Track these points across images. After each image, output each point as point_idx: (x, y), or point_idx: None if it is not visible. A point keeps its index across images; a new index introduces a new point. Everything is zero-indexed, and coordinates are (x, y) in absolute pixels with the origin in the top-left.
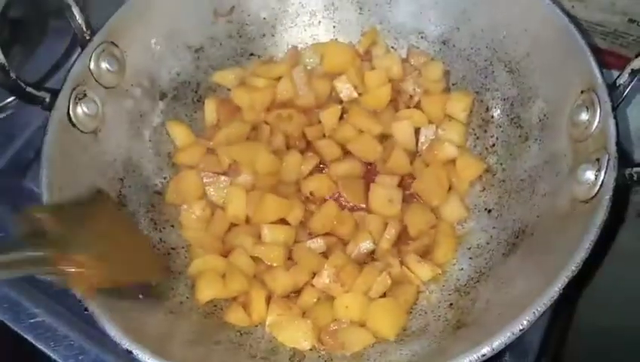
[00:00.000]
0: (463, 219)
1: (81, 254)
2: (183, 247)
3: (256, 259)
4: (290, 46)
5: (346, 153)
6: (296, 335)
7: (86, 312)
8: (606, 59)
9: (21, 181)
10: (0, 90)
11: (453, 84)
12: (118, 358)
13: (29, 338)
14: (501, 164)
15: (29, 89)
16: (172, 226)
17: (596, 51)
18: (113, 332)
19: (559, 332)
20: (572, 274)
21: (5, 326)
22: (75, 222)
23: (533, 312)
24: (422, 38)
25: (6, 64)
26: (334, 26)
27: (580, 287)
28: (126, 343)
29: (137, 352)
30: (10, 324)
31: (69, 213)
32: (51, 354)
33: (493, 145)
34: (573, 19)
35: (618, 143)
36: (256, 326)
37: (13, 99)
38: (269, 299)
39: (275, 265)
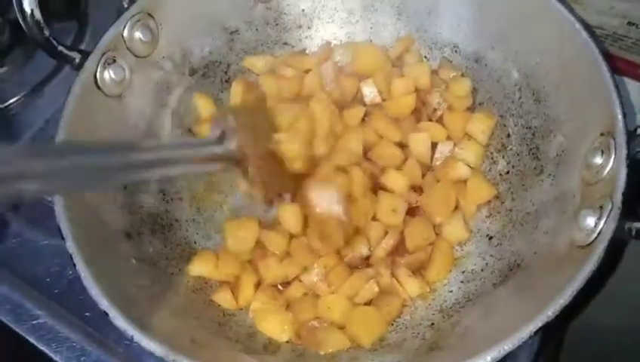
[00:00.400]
0: (463, 241)
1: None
2: (186, 221)
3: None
4: (324, 41)
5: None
6: (276, 326)
7: (87, 314)
8: None
9: None
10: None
11: (479, 104)
12: (119, 360)
13: (31, 339)
14: (512, 193)
15: (60, 48)
16: (180, 199)
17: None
18: (94, 291)
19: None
20: (548, 319)
21: (7, 328)
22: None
23: (499, 350)
24: (456, 52)
25: (41, 21)
26: (371, 27)
27: (570, 318)
28: (104, 305)
29: (113, 315)
30: (12, 326)
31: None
32: (53, 356)
33: (508, 172)
34: (609, 59)
35: (625, 194)
36: (240, 309)
37: (15, 101)
38: (257, 285)
39: (276, 252)
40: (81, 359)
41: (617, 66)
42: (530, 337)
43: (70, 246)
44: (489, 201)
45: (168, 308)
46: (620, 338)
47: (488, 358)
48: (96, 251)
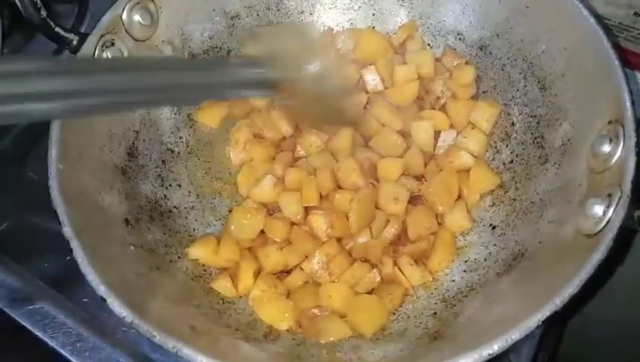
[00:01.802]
0: (466, 230)
1: (296, 88)
2: (185, 207)
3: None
4: (326, 27)
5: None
6: (276, 314)
7: (84, 300)
8: None
9: (20, 170)
10: None
11: (483, 92)
12: (115, 346)
13: (27, 325)
14: (516, 182)
15: (57, 29)
16: (178, 186)
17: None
18: (91, 277)
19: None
20: (556, 308)
21: (2, 313)
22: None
23: (507, 339)
24: (459, 39)
25: (38, 1)
26: (373, 14)
27: (577, 308)
28: (102, 290)
29: (111, 301)
30: (8, 311)
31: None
32: (48, 342)
33: (512, 161)
34: (616, 47)
35: (634, 182)
36: (240, 297)
37: None
38: (257, 273)
39: (277, 240)
40: (77, 345)
41: (621, 58)
42: (538, 327)
43: (67, 231)
44: (492, 190)
45: (167, 295)
46: (622, 327)
47: (495, 347)
48: (94, 237)
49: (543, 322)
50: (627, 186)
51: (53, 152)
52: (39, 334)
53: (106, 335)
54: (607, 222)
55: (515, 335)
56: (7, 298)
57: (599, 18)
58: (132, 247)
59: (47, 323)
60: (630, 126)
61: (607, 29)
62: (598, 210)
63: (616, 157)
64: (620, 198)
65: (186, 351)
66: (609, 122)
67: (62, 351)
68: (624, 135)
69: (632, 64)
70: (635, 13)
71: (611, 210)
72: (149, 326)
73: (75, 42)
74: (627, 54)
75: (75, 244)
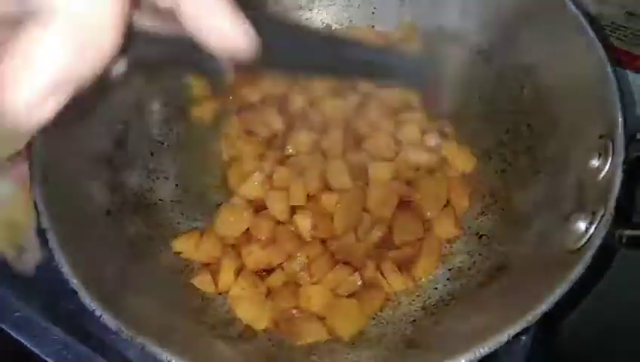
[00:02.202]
0: (453, 238)
1: None
2: (171, 201)
3: None
4: (324, 24)
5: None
6: (254, 313)
7: (70, 307)
8: None
9: None
10: None
11: (478, 98)
12: (103, 354)
13: (12, 332)
14: (506, 191)
15: None
16: (166, 178)
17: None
18: (65, 269)
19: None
20: (528, 324)
21: None
22: None
23: (475, 353)
24: (458, 43)
25: None
26: (373, 12)
27: (561, 318)
28: (74, 283)
29: (82, 295)
30: None
31: None
32: (34, 349)
33: (504, 170)
34: (614, 60)
35: (619, 200)
36: (220, 294)
37: None
38: (239, 271)
39: (261, 238)
40: (63, 352)
41: (613, 57)
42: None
43: (44, 220)
44: (483, 197)
45: (144, 289)
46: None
47: (463, 361)
48: (73, 227)
49: (515, 336)
50: (611, 204)
51: (38, 138)
52: (25, 342)
53: (94, 342)
54: (589, 239)
55: (483, 349)
56: None
57: (598, 30)
58: (112, 239)
59: (33, 330)
60: (620, 142)
61: (607, 41)
62: (582, 226)
63: (603, 173)
64: (602, 216)
65: (154, 348)
66: (600, 136)
67: (47, 359)
68: (613, 151)
69: (623, 63)
70: (628, 13)
71: (593, 227)
72: (119, 321)
73: None
74: (619, 53)
75: (51, 234)
